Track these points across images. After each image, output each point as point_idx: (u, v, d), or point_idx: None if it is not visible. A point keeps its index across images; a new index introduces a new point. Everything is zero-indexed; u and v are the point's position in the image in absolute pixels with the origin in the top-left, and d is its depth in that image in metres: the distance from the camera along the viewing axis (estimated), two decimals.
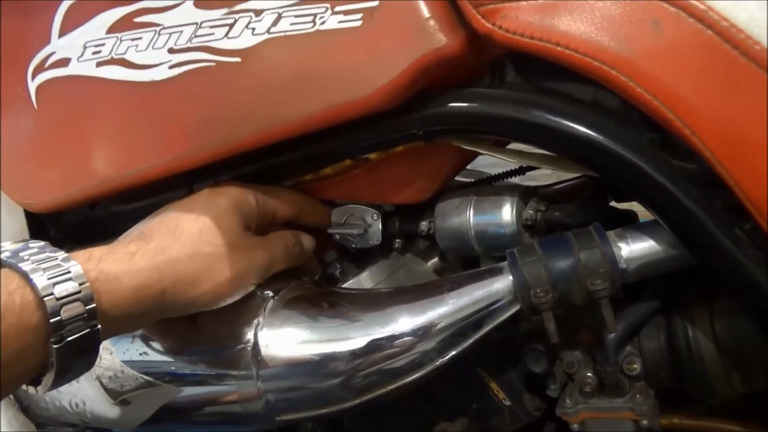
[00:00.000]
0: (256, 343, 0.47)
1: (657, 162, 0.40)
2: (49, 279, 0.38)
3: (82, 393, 0.51)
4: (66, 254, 0.40)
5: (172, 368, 0.49)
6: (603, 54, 0.37)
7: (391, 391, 0.46)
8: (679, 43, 0.36)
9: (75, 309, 0.38)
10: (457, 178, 0.63)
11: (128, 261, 0.42)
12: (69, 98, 0.52)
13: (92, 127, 0.52)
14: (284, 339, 0.47)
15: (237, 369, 0.47)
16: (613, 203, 0.57)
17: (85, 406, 0.51)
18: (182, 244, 0.45)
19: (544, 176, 0.62)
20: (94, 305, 0.39)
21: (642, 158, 0.40)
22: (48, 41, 0.54)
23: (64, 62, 0.52)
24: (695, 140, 0.36)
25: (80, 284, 0.39)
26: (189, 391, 0.50)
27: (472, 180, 0.62)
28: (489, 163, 0.57)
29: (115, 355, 0.50)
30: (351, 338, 0.46)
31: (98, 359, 0.49)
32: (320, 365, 0.46)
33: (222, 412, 0.50)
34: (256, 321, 0.48)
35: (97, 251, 0.42)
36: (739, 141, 0.35)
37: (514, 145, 0.52)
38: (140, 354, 0.50)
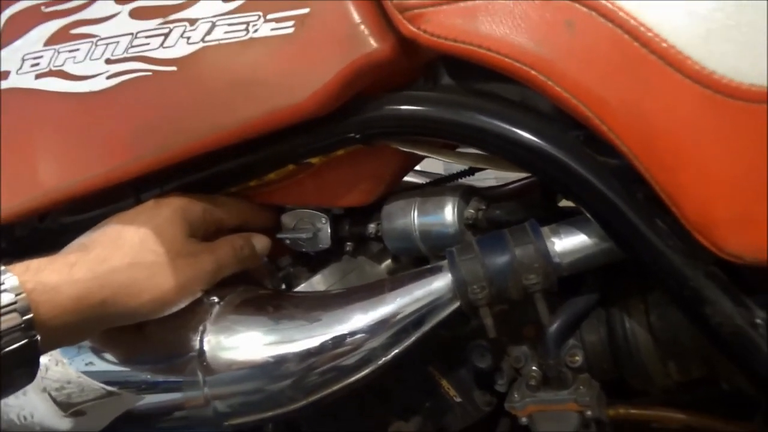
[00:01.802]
0: (201, 350, 0.47)
1: (581, 158, 0.41)
2: None
3: (30, 405, 0.51)
4: (2, 267, 0.40)
5: (120, 378, 0.49)
6: (522, 55, 0.38)
7: (338, 391, 0.47)
8: (592, 42, 0.37)
9: (11, 320, 0.38)
10: (412, 180, 0.65)
11: (67, 271, 0.42)
12: (10, 111, 0.53)
13: (34, 139, 0.52)
14: (230, 344, 0.47)
15: (183, 376, 0.48)
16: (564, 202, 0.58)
17: (34, 418, 0.51)
18: (123, 253, 0.45)
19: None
20: (31, 315, 0.39)
21: (567, 155, 0.41)
22: None
23: (4, 75, 0.52)
24: (612, 136, 0.38)
25: (16, 295, 0.39)
26: (140, 401, 0.50)
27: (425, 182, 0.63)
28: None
29: (63, 366, 0.50)
30: (296, 340, 0.47)
31: (45, 370, 0.50)
32: (267, 368, 0.47)
33: (172, 419, 0.50)
34: (201, 327, 0.48)
35: (35, 263, 0.42)
36: (651, 135, 0.36)
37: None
38: (86, 364, 0.50)
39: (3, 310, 0.38)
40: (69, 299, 0.41)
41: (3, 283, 0.39)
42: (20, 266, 0.41)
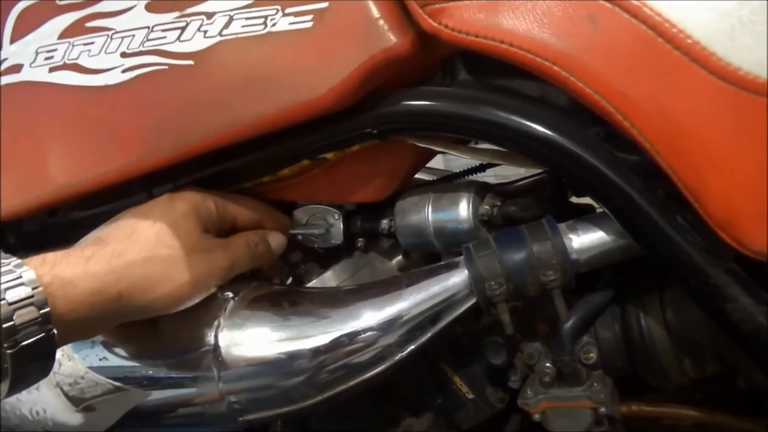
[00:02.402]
0: (216, 345, 0.47)
1: (602, 154, 0.41)
2: (1, 284, 0.37)
3: (42, 401, 0.51)
4: (18, 260, 0.40)
5: (134, 373, 0.49)
6: (544, 50, 0.38)
7: (353, 387, 0.47)
8: (616, 38, 0.37)
9: (29, 314, 0.38)
10: (422, 177, 0.64)
11: (83, 265, 0.42)
12: (22, 104, 0.52)
13: (46, 133, 0.51)
14: (245, 340, 0.47)
15: (198, 371, 0.47)
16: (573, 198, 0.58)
17: (46, 414, 0.51)
18: (139, 247, 0.45)
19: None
20: (48, 309, 0.39)
21: (587, 151, 0.41)
22: None
23: (17, 68, 0.52)
24: (635, 132, 0.37)
25: (33, 289, 0.38)
26: (152, 395, 0.50)
27: (434, 178, 0.63)
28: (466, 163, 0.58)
29: (76, 361, 0.50)
30: (312, 336, 0.47)
31: (58, 366, 0.49)
32: (281, 364, 0.47)
33: (186, 415, 0.50)
34: (216, 322, 0.48)
35: (50, 256, 0.42)
36: (674, 132, 0.36)
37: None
38: (100, 359, 0.49)
39: (20, 304, 0.38)
40: (85, 293, 0.41)
41: (20, 277, 0.38)
42: (36, 259, 0.41)
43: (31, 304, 0.38)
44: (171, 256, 0.45)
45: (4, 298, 0.37)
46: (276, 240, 0.54)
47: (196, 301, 0.47)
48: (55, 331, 0.39)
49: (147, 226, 0.46)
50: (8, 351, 0.37)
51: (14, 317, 0.37)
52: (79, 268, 0.42)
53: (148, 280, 0.44)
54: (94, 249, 0.44)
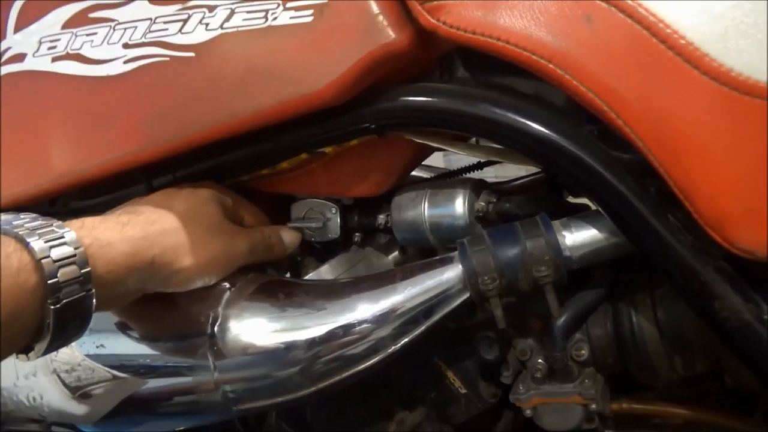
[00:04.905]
0: (213, 335, 0.48)
1: (595, 152, 0.41)
2: (45, 243, 0.38)
3: (39, 387, 0.51)
4: (60, 221, 0.41)
5: (130, 361, 0.50)
6: (540, 48, 0.39)
7: (347, 378, 0.47)
8: (611, 37, 0.37)
9: (71, 272, 0.39)
10: (419, 175, 0.65)
11: (120, 229, 0.43)
12: (25, 93, 0.53)
13: (48, 122, 0.52)
14: (241, 330, 0.48)
15: (194, 360, 0.48)
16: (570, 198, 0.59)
17: (43, 400, 0.51)
18: (171, 218, 0.46)
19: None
20: (89, 269, 0.40)
21: (581, 149, 0.41)
22: (3, 37, 0.54)
23: (20, 57, 0.52)
24: (627, 131, 0.38)
25: (75, 248, 0.40)
26: (148, 384, 0.50)
27: (431, 176, 0.64)
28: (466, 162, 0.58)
29: (73, 348, 0.50)
30: (307, 327, 0.47)
31: (55, 353, 0.50)
32: (277, 355, 0.47)
33: (181, 403, 0.50)
34: (213, 313, 0.48)
35: (89, 220, 0.43)
36: (666, 130, 0.37)
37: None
38: (97, 347, 0.50)
39: (63, 262, 0.39)
40: (123, 255, 0.42)
41: (63, 237, 0.39)
42: (75, 222, 0.42)
43: (74, 263, 0.39)
44: (199, 230, 0.47)
45: (49, 256, 0.38)
46: (289, 236, 0.55)
47: (213, 281, 0.48)
48: (95, 291, 0.40)
49: (178, 201, 0.48)
50: (51, 307, 0.38)
51: (58, 274, 0.38)
52: (116, 232, 0.43)
53: (179, 249, 0.45)
54: (129, 216, 0.45)
